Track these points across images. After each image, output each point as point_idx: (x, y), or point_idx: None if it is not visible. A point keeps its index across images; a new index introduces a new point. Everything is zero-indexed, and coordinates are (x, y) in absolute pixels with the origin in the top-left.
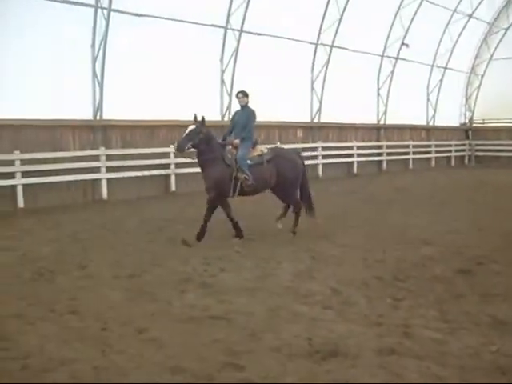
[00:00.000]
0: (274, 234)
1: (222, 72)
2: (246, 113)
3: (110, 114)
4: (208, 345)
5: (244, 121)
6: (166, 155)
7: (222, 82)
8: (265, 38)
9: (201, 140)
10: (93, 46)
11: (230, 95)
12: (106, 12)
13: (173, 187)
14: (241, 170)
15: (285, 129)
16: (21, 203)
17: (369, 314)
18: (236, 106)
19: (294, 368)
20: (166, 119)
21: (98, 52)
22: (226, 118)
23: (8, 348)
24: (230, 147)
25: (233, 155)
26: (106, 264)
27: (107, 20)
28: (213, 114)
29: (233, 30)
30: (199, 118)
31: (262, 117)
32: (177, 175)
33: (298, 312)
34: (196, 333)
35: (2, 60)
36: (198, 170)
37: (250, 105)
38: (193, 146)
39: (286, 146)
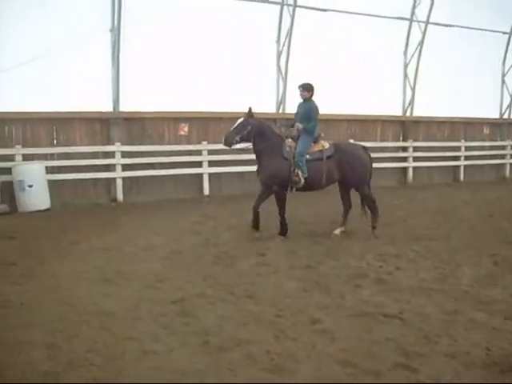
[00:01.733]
0: (456, 236)
1: (406, 66)
2: (308, 106)
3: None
4: (380, 342)
5: (303, 113)
6: None
7: (405, 75)
8: (453, 29)
9: (249, 132)
10: (278, 41)
11: (412, 89)
12: (291, 9)
13: None
14: (297, 166)
15: (470, 125)
16: (206, 191)
17: None
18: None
19: (469, 377)
20: (345, 113)
21: (283, 47)
22: (407, 113)
23: (190, 324)
24: (290, 140)
25: (291, 148)
26: (282, 253)
27: (292, 16)
28: (394, 109)
29: (418, 21)
30: (251, 110)
31: (445, 112)
32: None
33: (476, 319)
34: (368, 329)
35: (195, 59)
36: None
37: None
38: (242, 139)
39: (472, 144)
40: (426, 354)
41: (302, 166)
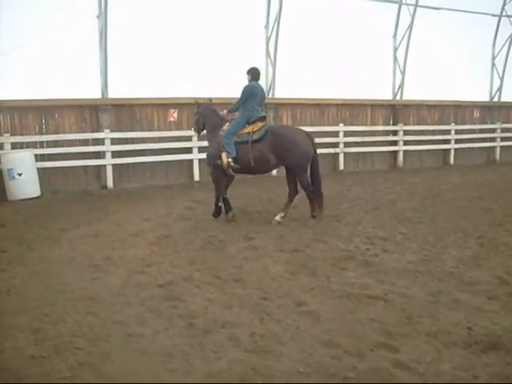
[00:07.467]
0: (444, 218)
1: (395, 49)
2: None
3: (281, 92)
4: (363, 323)
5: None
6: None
7: (395, 59)
8: (442, 11)
9: (197, 121)
10: (266, 26)
11: (402, 73)
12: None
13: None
14: (223, 148)
15: (460, 108)
16: (196, 177)
17: None
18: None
19: (450, 356)
20: (335, 98)
21: (271, 33)
22: (397, 97)
23: (177, 306)
24: (228, 123)
25: (223, 131)
26: (271, 237)
27: (280, 0)
28: (385, 93)
29: (407, 4)
30: (197, 101)
31: (435, 95)
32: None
33: (460, 299)
34: (352, 310)
35: (184, 45)
36: None
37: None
38: (199, 129)
39: (462, 127)
40: (408, 334)
41: (226, 148)
